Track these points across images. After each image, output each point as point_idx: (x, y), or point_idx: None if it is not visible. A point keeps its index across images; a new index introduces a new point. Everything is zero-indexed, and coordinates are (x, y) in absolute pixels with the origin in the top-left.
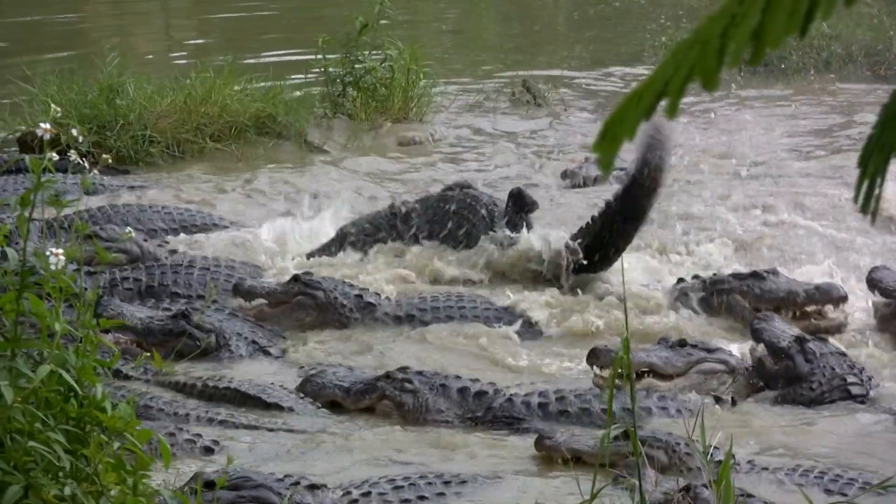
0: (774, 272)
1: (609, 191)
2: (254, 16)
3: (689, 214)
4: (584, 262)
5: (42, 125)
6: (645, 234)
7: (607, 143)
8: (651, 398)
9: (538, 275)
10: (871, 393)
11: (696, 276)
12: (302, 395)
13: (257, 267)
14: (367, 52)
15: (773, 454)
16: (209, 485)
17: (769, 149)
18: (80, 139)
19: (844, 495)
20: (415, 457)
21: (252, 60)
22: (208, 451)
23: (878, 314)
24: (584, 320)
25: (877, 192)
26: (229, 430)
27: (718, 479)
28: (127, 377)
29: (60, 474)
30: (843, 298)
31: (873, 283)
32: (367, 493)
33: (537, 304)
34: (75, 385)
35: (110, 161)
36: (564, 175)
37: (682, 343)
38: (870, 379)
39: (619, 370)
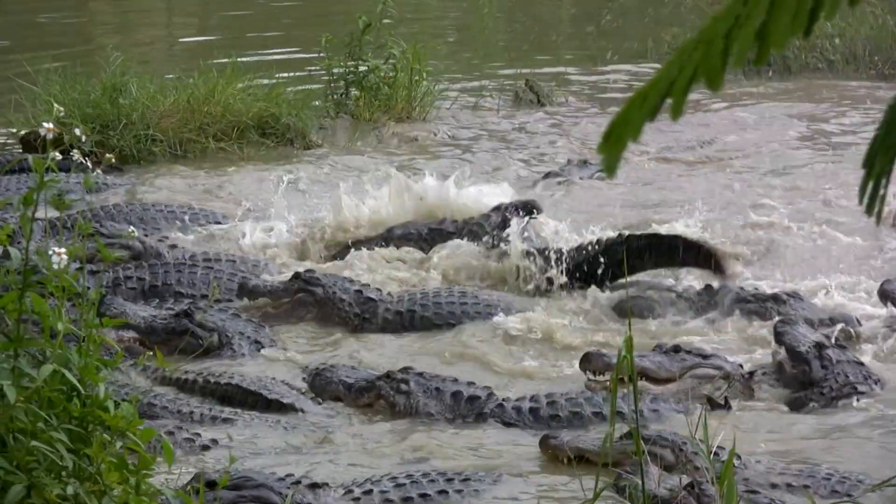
0: (796, 295)
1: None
2: (256, 14)
3: (690, 215)
4: (572, 278)
5: (45, 124)
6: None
7: (612, 145)
8: (643, 401)
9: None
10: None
11: (722, 287)
12: (304, 390)
13: (258, 263)
14: (369, 52)
15: (779, 456)
16: (211, 484)
17: (770, 149)
18: (83, 138)
19: (850, 496)
20: (416, 454)
21: (255, 58)
22: (207, 449)
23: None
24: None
25: (881, 192)
26: (232, 427)
27: (721, 477)
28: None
29: (63, 474)
30: (858, 328)
31: (886, 294)
32: (369, 491)
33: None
34: (78, 384)
35: (113, 160)
36: (548, 176)
37: (677, 349)
38: (882, 387)
39: (619, 371)
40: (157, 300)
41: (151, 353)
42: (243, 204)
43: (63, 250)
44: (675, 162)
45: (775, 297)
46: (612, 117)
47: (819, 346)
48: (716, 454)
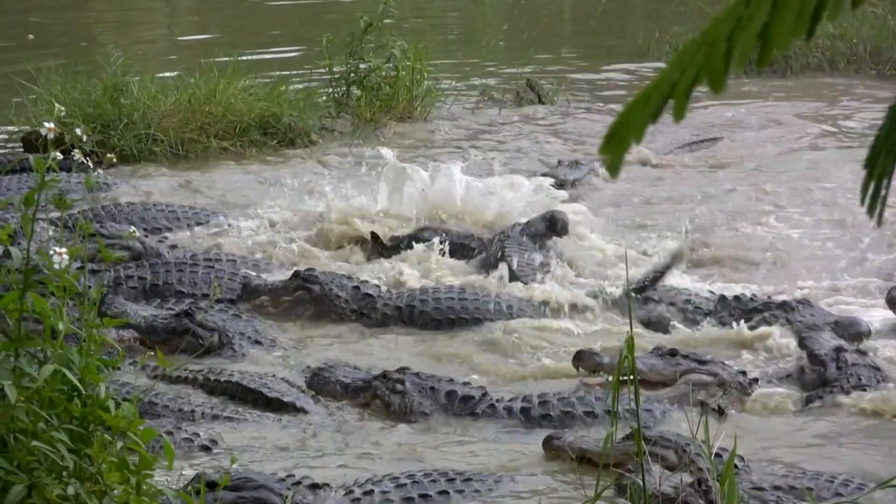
0: (806, 302)
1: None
2: (257, 13)
3: (689, 215)
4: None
5: (46, 124)
6: (643, 238)
7: (614, 146)
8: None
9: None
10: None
11: (736, 297)
12: (305, 389)
13: (259, 262)
14: (370, 52)
15: (781, 458)
16: (211, 485)
17: (770, 148)
18: (84, 138)
19: (853, 499)
20: (420, 453)
21: (256, 57)
22: (206, 449)
23: None
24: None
25: (883, 193)
26: (232, 425)
27: (722, 477)
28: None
29: (64, 474)
30: (867, 334)
31: (894, 301)
32: (370, 492)
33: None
34: (79, 384)
35: (115, 160)
36: (545, 176)
37: (673, 353)
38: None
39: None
40: (158, 299)
41: (152, 352)
42: (244, 203)
43: (64, 250)
44: (674, 163)
45: (784, 305)
46: (615, 119)
47: (838, 350)
48: (718, 456)
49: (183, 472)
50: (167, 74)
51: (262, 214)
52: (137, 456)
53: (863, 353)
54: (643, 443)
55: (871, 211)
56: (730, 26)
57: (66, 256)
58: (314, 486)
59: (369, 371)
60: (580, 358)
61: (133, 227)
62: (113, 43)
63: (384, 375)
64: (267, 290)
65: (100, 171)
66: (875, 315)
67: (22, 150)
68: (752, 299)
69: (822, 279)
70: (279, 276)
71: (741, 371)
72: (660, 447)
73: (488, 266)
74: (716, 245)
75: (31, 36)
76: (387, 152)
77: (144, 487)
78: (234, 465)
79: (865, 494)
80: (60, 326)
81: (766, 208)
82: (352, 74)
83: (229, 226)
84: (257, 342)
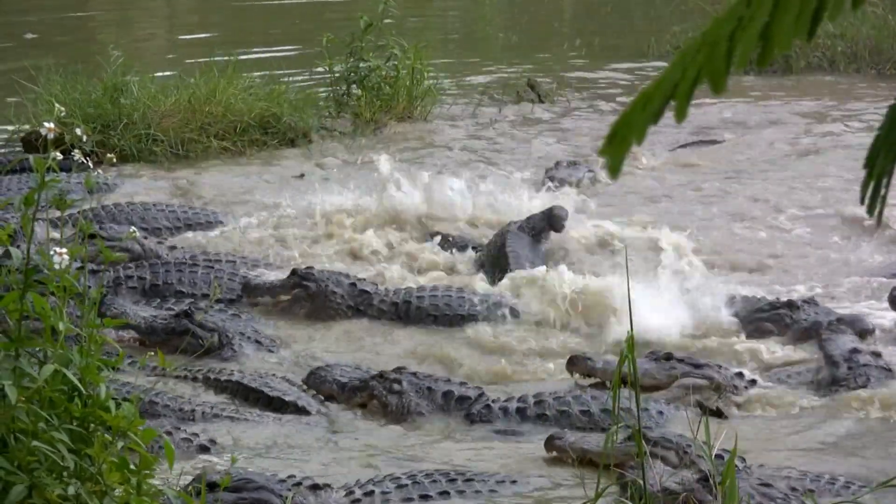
0: (811, 301)
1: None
2: (257, 12)
3: (689, 216)
4: None
5: (46, 124)
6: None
7: (615, 147)
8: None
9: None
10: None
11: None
12: (306, 388)
13: (258, 261)
14: (371, 52)
15: (782, 459)
16: (212, 486)
17: (771, 149)
18: (84, 138)
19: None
20: (417, 453)
21: (256, 56)
22: (204, 449)
23: None
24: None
25: (882, 192)
26: (233, 425)
27: (723, 478)
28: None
29: (64, 474)
30: (871, 331)
31: (895, 301)
32: (371, 493)
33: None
34: (79, 384)
35: (115, 160)
36: (544, 176)
37: (668, 356)
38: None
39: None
40: (158, 299)
41: (153, 353)
42: (244, 203)
43: (64, 250)
44: (674, 163)
45: (790, 304)
46: (616, 119)
47: (853, 351)
48: (719, 457)
49: (182, 473)
50: (167, 74)
51: (261, 214)
52: (138, 456)
53: (878, 354)
54: (644, 444)
55: (870, 210)
56: (731, 26)
57: (66, 257)
58: (315, 487)
59: (367, 370)
60: (573, 363)
61: (133, 228)
62: (113, 42)
63: (381, 375)
64: (267, 288)
65: (100, 171)
66: (877, 315)
67: (22, 150)
68: (756, 299)
69: (823, 279)
70: (279, 275)
71: (738, 373)
72: (661, 448)
73: (488, 262)
74: (716, 245)
75: (30, 35)
76: (384, 162)
77: (145, 487)
78: (235, 466)
79: (865, 494)
80: (60, 326)
81: (766, 208)
82: (352, 74)
83: (229, 226)
84: (257, 342)
